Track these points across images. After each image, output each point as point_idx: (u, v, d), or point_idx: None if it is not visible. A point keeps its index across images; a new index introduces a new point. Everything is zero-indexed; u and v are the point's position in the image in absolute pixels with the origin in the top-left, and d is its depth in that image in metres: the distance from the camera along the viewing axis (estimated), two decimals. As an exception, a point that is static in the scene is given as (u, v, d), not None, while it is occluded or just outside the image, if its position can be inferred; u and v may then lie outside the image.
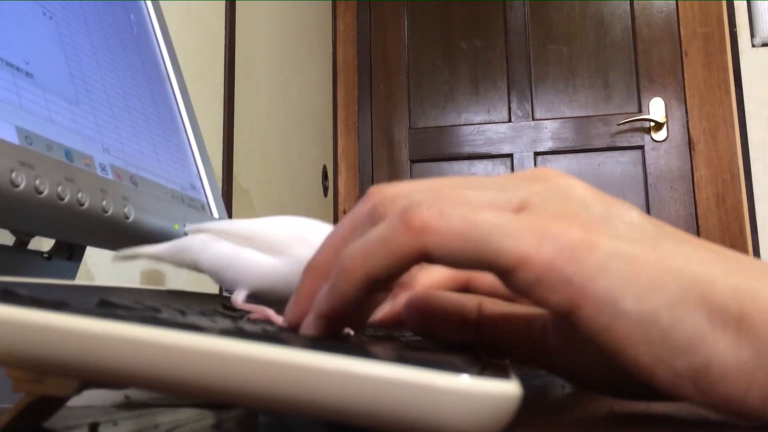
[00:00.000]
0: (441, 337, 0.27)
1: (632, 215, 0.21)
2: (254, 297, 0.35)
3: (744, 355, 0.18)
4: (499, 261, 0.19)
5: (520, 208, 0.21)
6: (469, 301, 0.27)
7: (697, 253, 0.20)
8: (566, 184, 0.21)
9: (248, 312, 0.33)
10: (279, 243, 0.34)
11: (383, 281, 0.21)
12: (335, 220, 2.06)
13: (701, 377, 0.19)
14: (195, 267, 0.36)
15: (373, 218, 0.22)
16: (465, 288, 0.29)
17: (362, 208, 0.22)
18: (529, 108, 2.02)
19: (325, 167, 1.98)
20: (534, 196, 0.21)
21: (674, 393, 0.19)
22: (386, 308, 0.28)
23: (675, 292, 0.19)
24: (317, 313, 0.22)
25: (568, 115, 2.00)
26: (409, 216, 0.20)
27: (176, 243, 0.37)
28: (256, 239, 0.34)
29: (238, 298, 0.34)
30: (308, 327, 0.22)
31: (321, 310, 0.22)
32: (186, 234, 0.37)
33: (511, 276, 0.19)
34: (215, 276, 0.36)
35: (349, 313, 0.22)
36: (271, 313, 0.33)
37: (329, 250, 0.23)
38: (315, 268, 0.23)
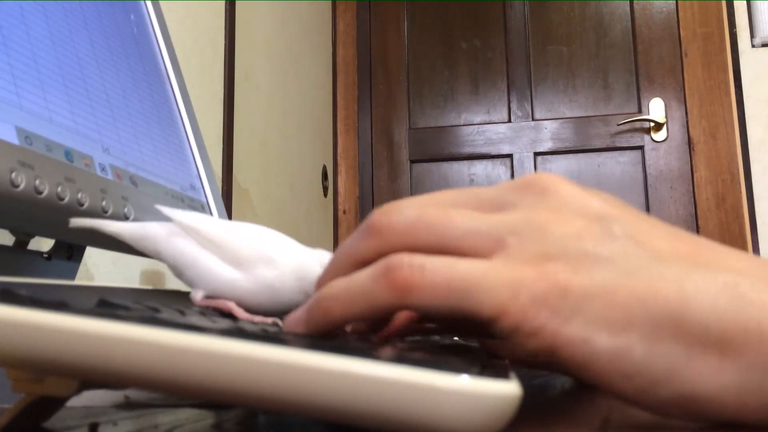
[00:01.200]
0: (456, 331, 0.28)
1: (613, 240, 0.20)
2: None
3: (727, 379, 0.18)
4: (479, 314, 0.20)
5: (499, 246, 0.21)
6: None
7: (679, 273, 0.19)
8: (546, 219, 0.21)
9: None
10: (244, 258, 0.33)
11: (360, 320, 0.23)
12: (335, 220, 2.06)
13: (687, 404, 0.19)
14: (156, 256, 0.35)
15: (367, 238, 0.23)
16: None
17: (359, 239, 0.23)
18: (528, 108, 2.02)
19: (324, 167, 1.98)
20: (512, 236, 0.21)
21: (665, 416, 0.20)
22: (391, 324, 0.28)
23: (647, 324, 0.19)
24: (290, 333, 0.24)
25: (568, 115, 2.00)
26: (393, 275, 0.21)
27: (141, 227, 0.35)
28: (223, 248, 0.33)
29: (197, 296, 0.34)
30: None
31: (296, 331, 0.23)
32: (157, 214, 0.36)
33: (492, 325, 0.20)
34: (174, 271, 0.34)
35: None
36: (232, 305, 0.33)
37: (330, 272, 0.25)
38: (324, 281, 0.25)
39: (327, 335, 0.23)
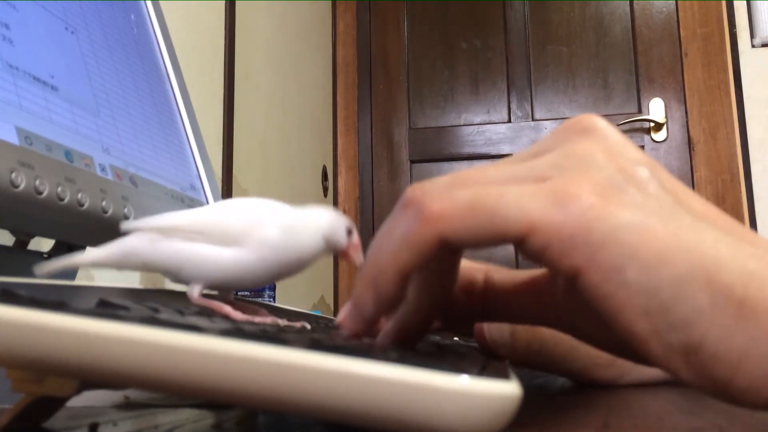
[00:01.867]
0: (450, 306, 0.28)
1: (652, 185, 0.21)
2: (211, 289, 0.34)
3: (737, 340, 0.18)
4: (509, 231, 0.20)
5: (539, 180, 0.21)
6: (476, 270, 0.27)
7: (712, 233, 0.20)
8: (589, 149, 0.21)
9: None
10: (236, 232, 0.32)
11: (416, 272, 0.22)
12: (335, 221, 2.05)
13: (692, 354, 0.19)
14: (144, 268, 0.33)
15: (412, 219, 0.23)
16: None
17: (398, 213, 0.23)
18: (528, 108, 2.02)
19: (324, 167, 1.98)
20: (553, 168, 0.21)
21: (664, 365, 0.20)
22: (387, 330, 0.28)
23: (681, 268, 0.19)
24: (361, 311, 0.23)
25: (568, 115, 2.00)
26: (422, 208, 0.21)
27: (118, 246, 0.33)
28: (210, 232, 0.32)
29: (194, 293, 0.33)
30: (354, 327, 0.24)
31: (364, 310, 0.23)
32: (124, 233, 0.33)
33: (523, 244, 0.20)
34: (169, 275, 0.33)
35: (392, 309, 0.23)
36: (228, 309, 0.32)
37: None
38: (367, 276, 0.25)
39: (396, 299, 0.22)
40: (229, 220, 0.32)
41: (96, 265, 0.33)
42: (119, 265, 0.33)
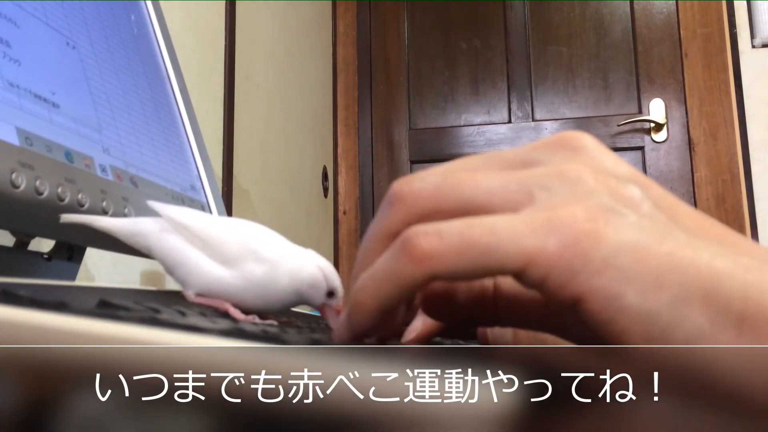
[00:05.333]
0: (460, 317, 0.27)
1: (645, 204, 0.20)
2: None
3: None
4: (506, 266, 0.19)
5: (528, 200, 0.20)
6: (485, 279, 0.27)
7: (708, 248, 0.19)
8: (578, 171, 0.21)
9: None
10: (232, 255, 0.33)
11: (397, 306, 0.21)
12: (335, 221, 2.06)
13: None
14: (147, 252, 0.34)
15: (393, 209, 0.22)
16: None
17: (394, 221, 0.22)
18: (529, 109, 2.02)
19: (325, 168, 1.98)
20: (543, 189, 0.20)
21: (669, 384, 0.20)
22: (414, 328, 0.28)
23: (678, 289, 0.18)
24: (340, 340, 0.23)
25: (568, 116, 2.00)
26: (410, 246, 0.20)
27: (132, 223, 0.35)
28: (211, 244, 0.33)
29: (189, 293, 0.33)
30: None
31: (342, 339, 0.23)
32: (148, 210, 0.35)
33: (522, 276, 0.19)
34: (164, 268, 0.34)
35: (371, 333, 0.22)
36: (229, 306, 0.33)
37: (365, 255, 0.23)
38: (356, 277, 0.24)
39: (373, 329, 0.22)
40: (231, 240, 0.33)
41: (108, 233, 0.35)
42: (128, 240, 0.35)
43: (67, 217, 0.35)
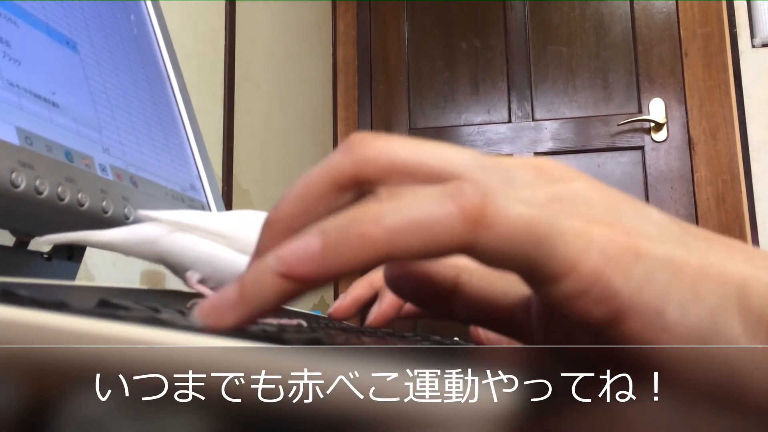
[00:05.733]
0: (418, 304, 0.26)
1: (654, 214, 0.19)
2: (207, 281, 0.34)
3: None
4: (546, 267, 0.17)
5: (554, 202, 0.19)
6: (447, 270, 0.24)
7: (727, 252, 0.19)
8: (583, 189, 0.19)
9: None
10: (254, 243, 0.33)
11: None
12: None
13: (727, 384, 0.18)
14: (154, 258, 0.33)
15: (358, 182, 0.19)
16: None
17: (341, 163, 0.19)
18: (529, 108, 2.02)
19: (325, 167, 1.97)
20: (554, 200, 0.19)
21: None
22: (375, 311, 0.28)
23: (715, 299, 0.18)
24: (285, 272, 0.16)
25: (568, 115, 2.00)
26: (467, 200, 0.16)
27: (133, 232, 0.33)
28: (234, 239, 0.32)
29: (193, 277, 0.33)
30: (256, 286, 0.17)
31: (297, 271, 0.16)
32: (137, 220, 0.34)
33: (552, 285, 0.17)
34: (178, 268, 0.33)
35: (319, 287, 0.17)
36: None
37: (297, 204, 0.19)
38: (278, 222, 0.19)
39: (346, 275, 0.17)
40: (247, 229, 0.33)
41: (106, 247, 0.34)
42: (130, 250, 0.34)
43: (55, 238, 0.33)
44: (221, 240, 0.33)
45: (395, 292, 0.25)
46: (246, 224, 0.33)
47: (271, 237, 0.19)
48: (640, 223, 0.19)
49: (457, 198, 0.16)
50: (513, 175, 0.20)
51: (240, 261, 0.33)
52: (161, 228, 0.33)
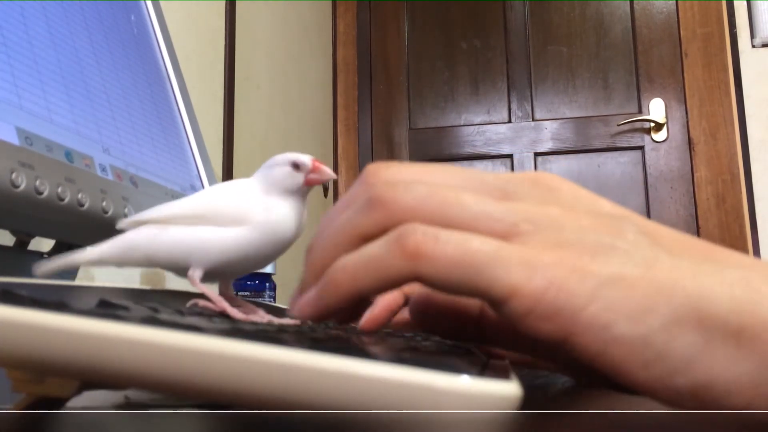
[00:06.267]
0: (445, 335, 0.28)
1: (629, 231, 0.21)
2: (210, 273, 0.34)
3: (744, 369, 0.18)
4: (491, 291, 0.19)
5: (513, 232, 0.21)
6: (473, 300, 0.27)
7: (694, 267, 0.19)
8: (556, 212, 0.21)
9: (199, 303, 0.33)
10: (238, 212, 0.33)
11: (370, 295, 0.22)
12: (335, 221, 2.05)
13: (703, 393, 0.19)
14: (146, 263, 0.33)
15: (372, 212, 0.22)
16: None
17: (368, 221, 0.22)
18: (529, 108, 2.02)
19: (325, 167, 1.98)
20: (526, 223, 0.21)
21: (678, 407, 0.20)
22: (367, 315, 0.28)
23: (668, 312, 0.19)
24: (301, 315, 0.23)
25: (568, 115, 2.00)
26: (406, 240, 0.20)
27: (118, 242, 0.33)
28: (211, 216, 0.33)
29: (195, 275, 0.33)
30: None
31: (304, 315, 0.23)
32: (122, 230, 0.34)
33: (503, 306, 0.20)
34: (174, 265, 0.33)
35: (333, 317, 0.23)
36: (226, 305, 0.33)
37: (329, 252, 0.23)
38: (314, 265, 0.23)
39: (338, 313, 0.22)
40: (227, 202, 0.33)
41: (97, 264, 0.33)
42: (121, 261, 0.33)
43: (43, 266, 0.33)
44: (198, 221, 0.33)
45: (424, 327, 0.28)
46: (221, 197, 0.34)
47: (311, 273, 0.23)
48: (600, 247, 0.20)
49: (401, 240, 0.20)
50: (514, 188, 0.22)
51: (226, 235, 0.32)
52: (143, 231, 0.33)
